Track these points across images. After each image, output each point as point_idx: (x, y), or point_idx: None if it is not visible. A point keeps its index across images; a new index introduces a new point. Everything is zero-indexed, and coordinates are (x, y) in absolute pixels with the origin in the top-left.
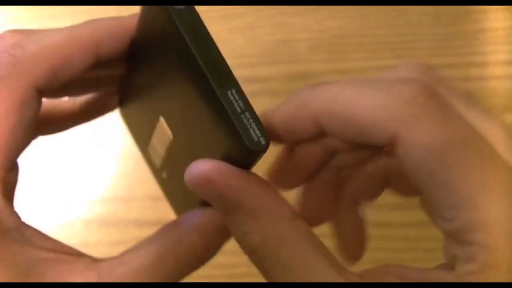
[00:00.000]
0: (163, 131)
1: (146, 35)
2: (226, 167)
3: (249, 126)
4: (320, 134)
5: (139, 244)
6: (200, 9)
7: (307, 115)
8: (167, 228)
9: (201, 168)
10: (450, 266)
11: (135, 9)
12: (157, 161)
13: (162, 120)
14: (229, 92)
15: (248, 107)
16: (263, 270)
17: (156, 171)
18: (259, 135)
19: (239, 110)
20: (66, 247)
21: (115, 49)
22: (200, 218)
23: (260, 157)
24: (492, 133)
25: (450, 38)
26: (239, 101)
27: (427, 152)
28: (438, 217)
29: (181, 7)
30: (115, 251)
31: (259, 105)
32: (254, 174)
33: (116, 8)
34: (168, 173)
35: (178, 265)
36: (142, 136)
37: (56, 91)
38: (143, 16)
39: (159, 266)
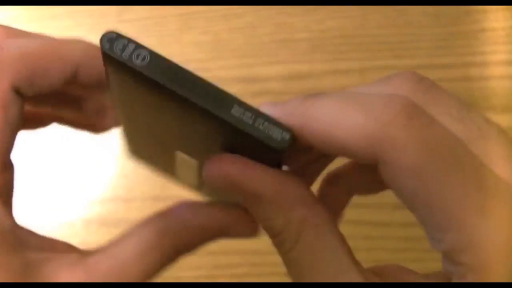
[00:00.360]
0: (185, 162)
1: (122, 86)
2: (241, 160)
3: (267, 130)
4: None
5: (124, 235)
6: (200, 9)
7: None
8: (153, 219)
9: (217, 165)
10: (447, 277)
11: (135, 9)
12: (193, 181)
13: (179, 153)
14: (232, 111)
15: (257, 113)
16: (283, 253)
17: (196, 188)
18: (280, 132)
19: (250, 122)
20: (55, 242)
21: (94, 75)
22: (185, 211)
23: (291, 150)
24: (488, 148)
25: (450, 38)
26: (246, 112)
27: (407, 174)
28: (429, 237)
29: (145, 63)
30: None
31: (259, 105)
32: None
33: (116, 8)
34: (208, 188)
35: (162, 257)
36: (161, 166)
37: (33, 100)
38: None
39: (145, 258)
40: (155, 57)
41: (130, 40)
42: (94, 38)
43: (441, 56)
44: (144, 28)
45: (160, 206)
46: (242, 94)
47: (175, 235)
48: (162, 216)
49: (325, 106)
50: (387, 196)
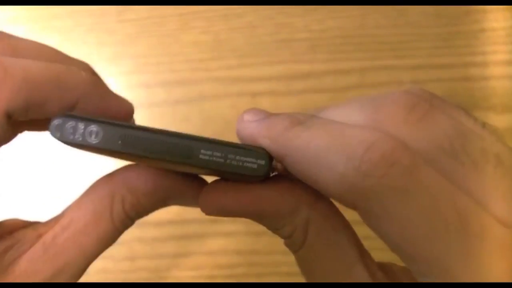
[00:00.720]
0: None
1: None
2: (232, 187)
3: (240, 163)
4: None
5: (75, 204)
6: (200, 9)
7: (274, 153)
8: (100, 185)
9: (210, 198)
10: None
11: (135, 9)
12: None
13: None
14: (201, 156)
15: (226, 149)
16: (293, 253)
17: None
18: (255, 161)
19: (222, 160)
20: (10, 223)
21: (93, 106)
22: (129, 174)
23: (272, 168)
24: (482, 184)
25: (450, 38)
26: (215, 153)
27: (385, 225)
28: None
29: (99, 139)
30: (115, 251)
31: (259, 105)
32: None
33: (116, 8)
34: None
35: (115, 223)
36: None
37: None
38: None
39: (99, 226)
40: (108, 129)
41: (78, 119)
42: (94, 38)
43: (441, 56)
44: (144, 28)
45: None
46: (242, 94)
47: (125, 200)
48: (110, 181)
49: (309, 142)
50: None
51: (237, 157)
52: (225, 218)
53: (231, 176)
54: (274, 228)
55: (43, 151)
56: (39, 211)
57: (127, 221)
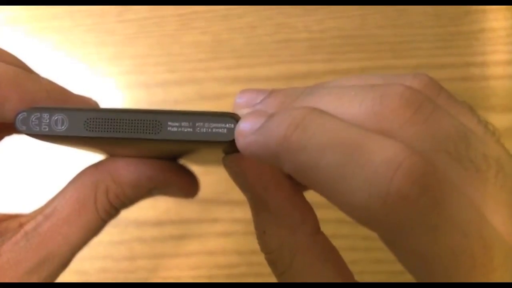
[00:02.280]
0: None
1: None
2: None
3: (210, 129)
4: None
5: (60, 193)
6: (200, 9)
7: (278, 161)
8: (85, 174)
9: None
10: None
11: (135, 9)
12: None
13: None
14: (169, 128)
15: (193, 116)
16: (275, 272)
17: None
18: (224, 125)
19: (191, 130)
20: None
21: None
22: (114, 164)
23: None
24: (485, 192)
25: (450, 38)
26: (182, 123)
27: (411, 259)
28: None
29: (66, 126)
30: (115, 251)
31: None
32: (287, 176)
33: (116, 8)
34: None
35: (99, 213)
36: None
37: None
38: None
39: (83, 216)
40: (73, 115)
41: (42, 110)
42: (94, 38)
43: (441, 56)
44: (144, 28)
45: (160, 206)
46: None
47: (109, 190)
48: (95, 170)
49: (318, 158)
50: None
51: (206, 124)
52: (225, 218)
53: (201, 148)
54: (263, 229)
55: (27, 147)
56: (22, 206)
57: (112, 211)
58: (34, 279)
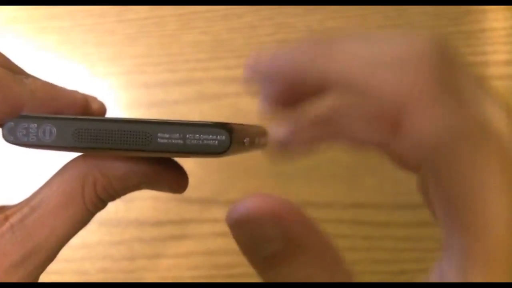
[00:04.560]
0: None
1: None
2: (289, 203)
3: (201, 141)
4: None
5: (46, 183)
6: (200, 9)
7: (314, 74)
8: (72, 166)
9: (260, 203)
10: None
11: (135, 9)
12: None
13: None
14: (158, 140)
15: (184, 128)
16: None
17: None
18: (215, 137)
19: (181, 142)
20: None
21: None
22: (102, 157)
23: (235, 145)
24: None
25: (450, 38)
26: (173, 134)
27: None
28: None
29: (54, 137)
30: (115, 251)
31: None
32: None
33: (116, 8)
34: None
35: (84, 203)
36: None
37: None
38: None
39: (70, 208)
40: (61, 125)
41: (29, 119)
42: (94, 38)
43: None
44: (144, 28)
45: (160, 206)
46: (242, 94)
47: (97, 183)
48: (82, 162)
49: (357, 50)
50: (387, 196)
51: (197, 136)
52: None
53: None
54: (307, 275)
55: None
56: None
57: (99, 204)
58: (20, 272)
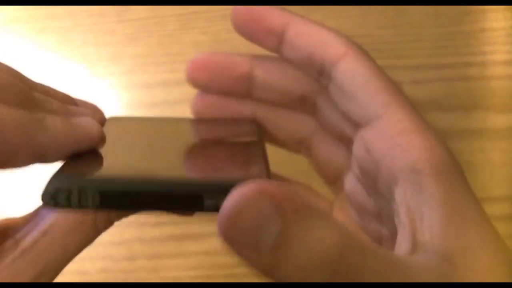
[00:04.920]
0: None
1: None
2: (267, 181)
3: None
4: None
5: None
6: (200, 9)
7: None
8: None
9: (243, 191)
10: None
11: (135, 9)
12: None
13: None
14: (205, 205)
15: (224, 195)
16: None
17: None
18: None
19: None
20: None
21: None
22: None
23: None
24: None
25: (450, 38)
26: (220, 199)
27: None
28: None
29: (97, 202)
30: (115, 251)
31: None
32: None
33: (116, 8)
34: None
35: (96, 225)
36: None
37: None
38: None
39: (81, 229)
40: (105, 192)
41: (70, 186)
42: (94, 38)
43: (441, 56)
44: (144, 28)
45: None
46: None
47: None
48: None
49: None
50: None
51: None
52: None
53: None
54: (320, 236)
55: None
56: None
57: (109, 224)
58: None
